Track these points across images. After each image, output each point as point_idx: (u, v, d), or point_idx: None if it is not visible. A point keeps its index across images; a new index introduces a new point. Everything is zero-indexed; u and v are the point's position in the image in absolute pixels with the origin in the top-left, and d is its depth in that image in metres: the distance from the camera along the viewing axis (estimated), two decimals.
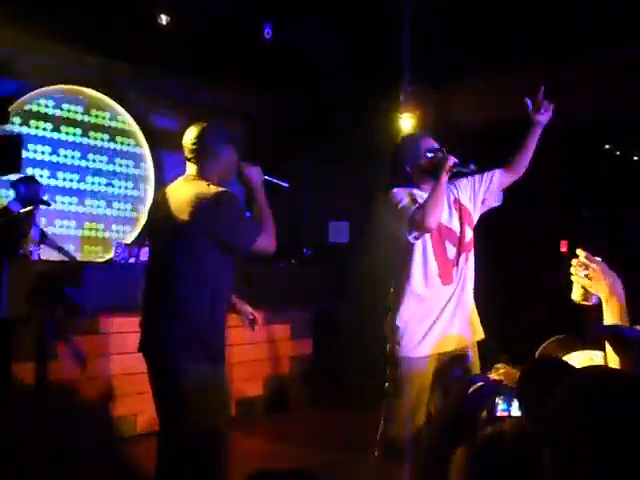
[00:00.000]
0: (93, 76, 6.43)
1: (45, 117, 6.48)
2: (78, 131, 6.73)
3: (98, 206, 6.91)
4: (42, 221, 6.06)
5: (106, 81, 6.54)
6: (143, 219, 7.03)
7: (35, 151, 6.40)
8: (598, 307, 1.75)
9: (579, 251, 1.80)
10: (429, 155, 2.89)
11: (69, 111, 6.65)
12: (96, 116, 6.85)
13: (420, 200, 2.79)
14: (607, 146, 6.13)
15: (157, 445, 2.69)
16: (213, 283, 2.58)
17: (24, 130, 6.27)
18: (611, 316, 1.72)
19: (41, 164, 6.44)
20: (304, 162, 6.73)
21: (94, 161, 6.88)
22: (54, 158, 6.55)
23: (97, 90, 6.74)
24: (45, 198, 5.72)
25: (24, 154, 5.72)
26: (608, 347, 1.62)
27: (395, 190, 2.86)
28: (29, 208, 5.18)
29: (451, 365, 2.84)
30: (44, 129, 6.47)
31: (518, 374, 1.53)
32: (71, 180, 6.70)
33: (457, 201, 2.96)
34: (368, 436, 3.01)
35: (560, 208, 6.13)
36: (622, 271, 1.80)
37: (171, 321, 2.55)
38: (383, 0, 5.13)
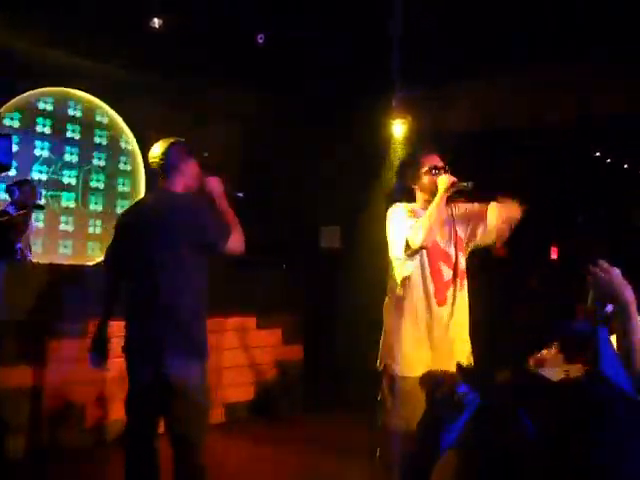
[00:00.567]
0: (88, 78, 6.43)
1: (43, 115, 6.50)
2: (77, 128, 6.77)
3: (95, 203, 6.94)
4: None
5: (102, 82, 6.53)
6: None
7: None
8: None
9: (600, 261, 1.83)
10: (432, 173, 2.93)
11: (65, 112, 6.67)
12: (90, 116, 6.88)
13: (419, 217, 2.84)
14: (597, 154, 6.14)
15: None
16: (196, 284, 2.78)
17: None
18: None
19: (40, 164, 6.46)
20: (302, 163, 6.72)
21: (97, 158, 6.91)
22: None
23: (94, 91, 6.76)
24: (42, 202, 5.72)
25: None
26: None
27: (396, 207, 2.93)
28: (22, 212, 5.20)
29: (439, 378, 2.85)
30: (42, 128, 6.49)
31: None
32: (69, 176, 6.73)
33: (454, 226, 3.02)
34: (360, 441, 3.02)
35: (554, 216, 6.15)
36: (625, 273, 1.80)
37: (161, 322, 2.71)
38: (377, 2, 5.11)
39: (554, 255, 5.19)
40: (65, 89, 6.64)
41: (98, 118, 6.99)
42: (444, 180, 2.84)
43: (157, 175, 2.88)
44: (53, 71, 6.13)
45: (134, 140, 7.23)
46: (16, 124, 6.29)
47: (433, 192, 2.86)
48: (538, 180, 6.56)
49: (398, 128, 5.98)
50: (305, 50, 5.93)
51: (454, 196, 2.93)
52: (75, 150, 6.78)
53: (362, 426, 3.10)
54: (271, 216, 7.00)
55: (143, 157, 7.24)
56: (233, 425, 5.30)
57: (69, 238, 6.69)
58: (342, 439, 4.60)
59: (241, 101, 7.01)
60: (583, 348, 1.63)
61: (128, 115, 7.13)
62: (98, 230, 6.89)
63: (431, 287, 2.88)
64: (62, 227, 6.65)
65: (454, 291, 2.93)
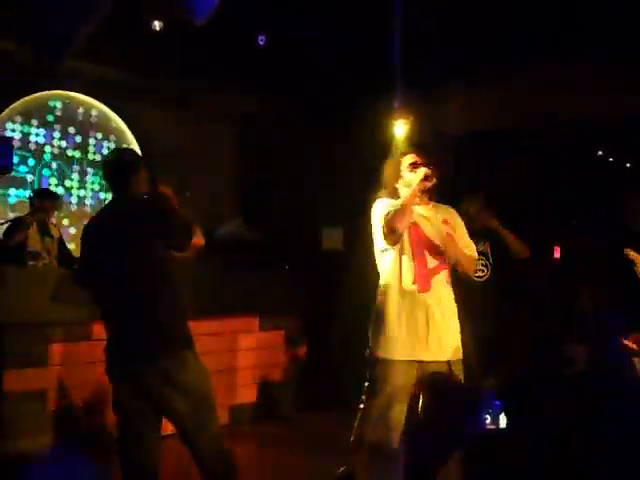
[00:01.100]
0: (88, 79, 6.44)
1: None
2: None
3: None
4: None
5: (102, 83, 6.54)
6: None
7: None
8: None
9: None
10: (410, 170, 3.10)
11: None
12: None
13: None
14: (600, 152, 6.14)
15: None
16: (174, 281, 2.89)
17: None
18: None
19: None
20: (302, 164, 6.72)
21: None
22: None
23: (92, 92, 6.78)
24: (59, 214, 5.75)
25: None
26: None
27: (378, 202, 3.09)
28: (28, 216, 5.27)
29: (435, 377, 2.92)
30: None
31: None
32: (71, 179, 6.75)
33: (447, 222, 3.15)
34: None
35: (553, 214, 6.15)
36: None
37: (145, 321, 2.78)
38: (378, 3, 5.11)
39: (557, 254, 5.20)
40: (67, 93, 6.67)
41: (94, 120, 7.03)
42: (420, 172, 3.00)
43: (115, 186, 2.98)
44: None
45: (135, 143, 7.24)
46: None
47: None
48: (538, 180, 6.56)
49: (399, 128, 5.97)
50: (305, 50, 5.93)
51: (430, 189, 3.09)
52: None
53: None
54: (272, 217, 7.01)
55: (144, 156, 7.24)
56: (237, 426, 5.30)
57: None
58: (346, 439, 4.59)
59: (241, 101, 7.02)
60: None
61: (129, 117, 7.14)
62: None
63: (411, 273, 2.98)
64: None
65: (438, 280, 3.02)
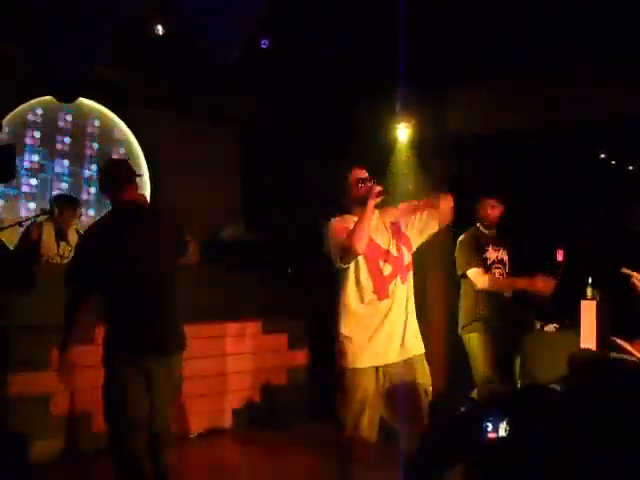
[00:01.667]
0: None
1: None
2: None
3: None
4: None
5: (102, 84, 6.53)
6: None
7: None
8: None
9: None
10: (359, 186, 3.21)
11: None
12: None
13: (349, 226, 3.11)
14: (602, 155, 6.13)
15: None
16: (175, 289, 3.21)
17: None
18: None
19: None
20: (301, 164, 6.72)
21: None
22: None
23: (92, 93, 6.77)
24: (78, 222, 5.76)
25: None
26: None
27: (333, 220, 3.21)
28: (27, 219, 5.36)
29: (399, 377, 3.09)
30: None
31: None
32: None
33: (395, 225, 3.27)
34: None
35: (555, 216, 6.13)
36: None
37: (169, 322, 3.15)
38: (380, 4, 5.11)
39: (560, 257, 5.18)
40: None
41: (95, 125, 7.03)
42: (374, 189, 3.11)
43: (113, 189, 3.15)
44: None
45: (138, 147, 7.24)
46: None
47: (364, 203, 3.10)
48: (538, 180, 6.56)
49: (402, 131, 5.97)
50: (305, 50, 5.93)
51: (382, 203, 3.19)
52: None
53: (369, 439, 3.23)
54: (274, 220, 7.00)
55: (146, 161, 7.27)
56: (239, 431, 5.30)
57: None
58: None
59: (241, 102, 7.02)
60: None
61: (128, 118, 7.14)
62: None
63: (369, 283, 3.11)
64: None
65: (396, 284, 3.14)
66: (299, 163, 6.80)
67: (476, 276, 4.49)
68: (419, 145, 4.83)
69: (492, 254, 4.63)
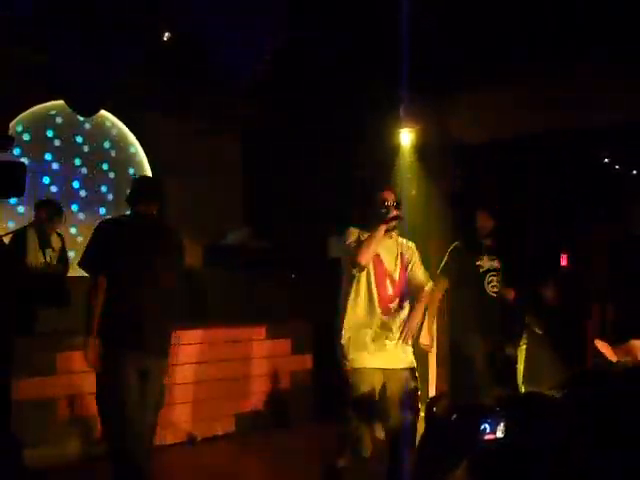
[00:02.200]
0: None
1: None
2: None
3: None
4: None
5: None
6: None
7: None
8: None
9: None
10: (382, 206, 3.45)
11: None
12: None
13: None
14: (606, 160, 6.11)
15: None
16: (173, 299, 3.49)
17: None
18: None
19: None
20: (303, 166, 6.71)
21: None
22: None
23: None
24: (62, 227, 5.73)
25: None
26: None
27: (349, 229, 3.46)
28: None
29: (404, 380, 3.35)
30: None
31: None
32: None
33: (403, 256, 3.53)
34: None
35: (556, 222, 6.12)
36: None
37: (164, 325, 3.40)
38: (382, 8, 5.12)
39: (564, 262, 5.19)
40: None
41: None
42: (391, 212, 3.38)
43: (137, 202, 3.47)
44: None
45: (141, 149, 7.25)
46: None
47: (380, 222, 3.35)
48: (538, 180, 6.55)
49: (405, 136, 6.00)
50: (305, 50, 5.93)
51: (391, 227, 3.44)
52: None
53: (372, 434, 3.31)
54: (277, 225, 6.98)
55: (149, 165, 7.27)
56: (243, 435, 5.29)
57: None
58: None
59: (241, 102, 7.01)
60: None
61: (129, 121, 7.14)
62: None
63: (376, 298, 3.39)
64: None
65: (397, 305, 3.43)
66: (299, 163, 6.79)
67: (437, 281, 4.47)
68: (422, 149, 4.85)
69: (486, 263, 4.73)
